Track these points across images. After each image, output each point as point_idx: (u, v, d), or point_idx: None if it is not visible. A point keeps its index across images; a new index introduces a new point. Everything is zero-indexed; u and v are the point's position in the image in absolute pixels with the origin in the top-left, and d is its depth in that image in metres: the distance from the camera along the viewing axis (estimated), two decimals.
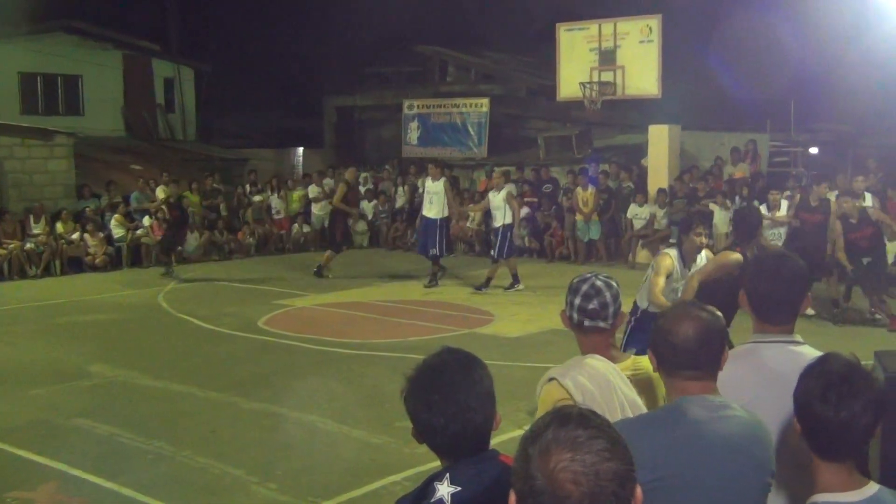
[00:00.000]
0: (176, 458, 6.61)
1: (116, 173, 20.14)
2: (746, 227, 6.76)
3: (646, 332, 3.21)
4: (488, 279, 13.93)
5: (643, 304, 7.15)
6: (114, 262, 17.03)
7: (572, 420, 1.56)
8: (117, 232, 17.34)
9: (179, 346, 10.58)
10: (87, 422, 7.49)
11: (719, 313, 2.62)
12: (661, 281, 6.95)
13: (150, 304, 13.28)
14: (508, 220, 13.77)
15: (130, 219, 17.80)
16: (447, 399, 2.19)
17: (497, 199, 13.94)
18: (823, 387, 2.28)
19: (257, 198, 20.31)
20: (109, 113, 24.19)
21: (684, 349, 2.48)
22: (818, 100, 21.71)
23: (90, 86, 23.98)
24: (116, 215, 17.49)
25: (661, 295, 6.91)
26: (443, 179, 14.54)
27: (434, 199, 14.35)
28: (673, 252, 7.16)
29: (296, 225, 20.05)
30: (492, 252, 14.07)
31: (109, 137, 22.94)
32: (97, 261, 16.67)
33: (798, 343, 2.89)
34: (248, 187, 20.80)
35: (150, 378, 8.95)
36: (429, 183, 14.66)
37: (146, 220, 17.65)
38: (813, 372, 2.35)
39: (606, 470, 1.50)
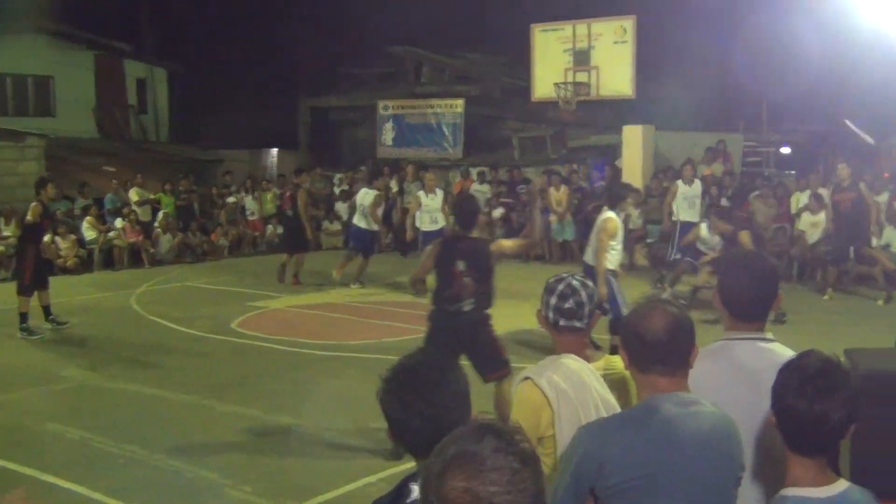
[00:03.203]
0: (149, 461, 6.54)
1: (89, 175, 19.95)
2: (465, 216, 6.79)
3: None
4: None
5: (590, 261, 8.75)
6: (85, 265, 16.86)
7: (473, 439, 1.56)
8: (89, 234, 17.17)
9: (152, 348, 10.47)
10: (58, 426, 7.41)
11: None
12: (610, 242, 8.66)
13: (122, 306, 13.15)
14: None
15: (103, 221, 17.64)
16: (423, 399, 2.18)
17: (436, 201, 14.08)
18: (800, 380, 2.32)
19: (231, 199, 20.19)
20: (81, 114, 23.98)
21: (654, 345, 2.48)
22: (790, 100, 21.92)
23: (62, 87, 23.76)
24: (88, 217, 17.32)
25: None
26: (439, 191, 14.28)
27: (438, 217, 14.05)
28: (612, 214, 8.72)
29: (270, 226, 19.97)
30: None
31: (81, 139, 22.74)
32: (68, 263, 16.48)
33: (769, 340, 2.92)
34: (221, 188, 20.67)
35: (123, 381, 8.87)
36: (424, 198, 14.18)
37: (118, 223, 17.50)
38: (791, 366, 2.39)
39: (504, 492, 1.48)
